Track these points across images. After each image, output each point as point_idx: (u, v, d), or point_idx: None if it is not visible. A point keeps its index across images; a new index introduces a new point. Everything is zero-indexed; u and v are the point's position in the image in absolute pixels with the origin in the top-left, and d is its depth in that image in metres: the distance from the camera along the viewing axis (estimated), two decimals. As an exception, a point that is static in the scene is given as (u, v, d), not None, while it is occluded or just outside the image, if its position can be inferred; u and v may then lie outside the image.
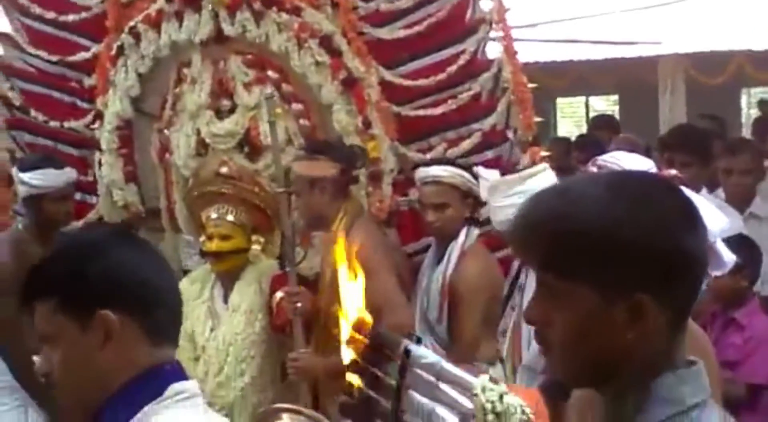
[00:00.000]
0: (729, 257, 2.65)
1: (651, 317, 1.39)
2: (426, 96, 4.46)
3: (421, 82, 4.42)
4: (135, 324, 1.73)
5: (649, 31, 10.10)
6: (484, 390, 1.39)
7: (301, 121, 4.49)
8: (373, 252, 4.04)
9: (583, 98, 15.19)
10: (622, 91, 13.73)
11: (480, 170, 4.22)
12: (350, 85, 4.33)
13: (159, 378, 1.72)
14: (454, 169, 4.17)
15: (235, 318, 4.37)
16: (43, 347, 1.78)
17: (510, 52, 4.33)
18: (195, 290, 4.46)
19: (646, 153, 6.09)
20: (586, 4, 10.19)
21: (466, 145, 4.41)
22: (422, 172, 4.24)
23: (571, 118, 15.21)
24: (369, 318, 1.60)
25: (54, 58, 5.16)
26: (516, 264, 4.50)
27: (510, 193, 3.78)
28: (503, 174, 4.39)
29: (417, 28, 4.41)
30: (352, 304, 1.61)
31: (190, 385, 1.76)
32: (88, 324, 1.71)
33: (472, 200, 4.21)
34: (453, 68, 4.39)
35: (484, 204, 4.13)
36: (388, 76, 4.43)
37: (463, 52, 4.41)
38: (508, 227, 2.72)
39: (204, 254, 4.47)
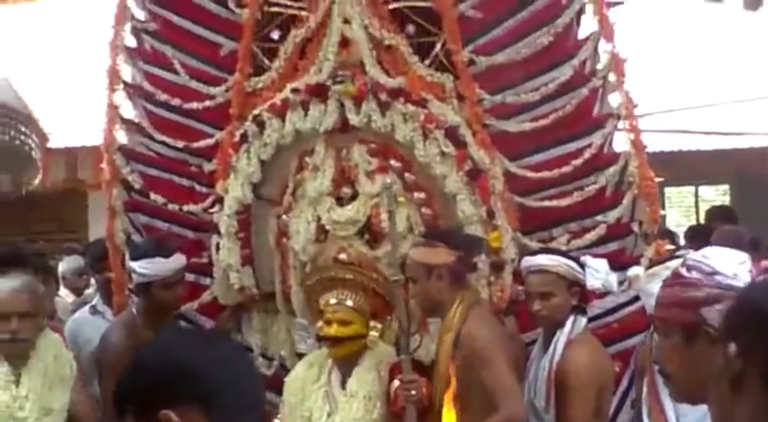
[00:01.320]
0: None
1: (734, 370, 1.48)
2: (550, 187, 4.49)
3: (546, 174, 4.46)
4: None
5: (761, 121, 10.07)
6: None
7: (424, 210, 4.54)
8: (489, 342, 4.05)
9: (692, 188, 15.04)
10: (733, 181, 13.57)
11: (587, 259, 4.22)
12: (475, 175, 4.39)
13: None
14: (559, 258, 4.18)
15: (353, 404, 4.37)
16: None
17: (638, 146, 4.36)
18: (312, 374, 4.49)
19: (753, 245, 6.03)
20: (697, 94, 10.21)
21: (590, 236, 4.43)
22: (528, 261, 4.25)
23: (679, 207, 15.04)
24: None
25: (178, 144, 5.29)
26: (634, 356, 4.47)
27: None
28: (625, 267, 4.39)
29: (543, 122, 4.46)
30: None
31: None
32: None
33: (578, 289, 4.20)
34: (579, 161, 4.44)
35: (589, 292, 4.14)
36: (513, 167, 4.48)
37: (589, 145, 4.46)
38: None
39: (322, 339, 4.50)
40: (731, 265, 3.00)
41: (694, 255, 3.24)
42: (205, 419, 1.80)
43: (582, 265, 4.21)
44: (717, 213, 7.87)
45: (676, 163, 10.69)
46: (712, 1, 9.68)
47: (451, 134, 4.40)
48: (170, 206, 5.34)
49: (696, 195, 15.10)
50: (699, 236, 6.93)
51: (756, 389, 1.45)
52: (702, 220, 9.77)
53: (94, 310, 5.68)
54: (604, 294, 4.44)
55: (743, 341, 1.47)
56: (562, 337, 4.17)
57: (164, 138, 5.35)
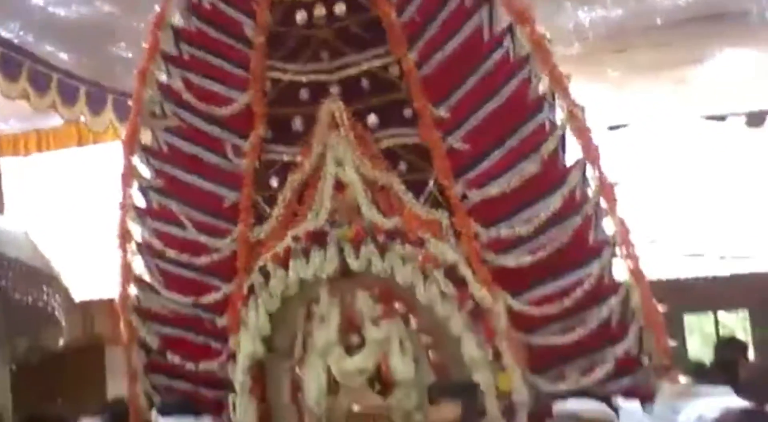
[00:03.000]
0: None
1: None
2: (554, 323, 4.31)
3: (548, 308, 4.29)
4: None
5: None
6: None
7: (431, 354, 4.39)
8: None
9: (711, 314, 14.81)
10: (752, 306, 13.35)
11: (621, 403, 4.00)
12: (478, 315, 4.24)
13: None
14: (592, 404, 3.95)
15: None
16: None
17: (637, 275, 4.18)
18: None
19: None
20: (710, 217, 10.06)
21: (600, 372, 4.20)
22: (559, 407, 4.03)
23: (699, 333, 14.71)
24: None
25: (189, 300, 5.22)
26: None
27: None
28: (642, 402, 4.16)
29: (540, 254, 4.32)
30: None
31: None
32: None
33: None
34: (579, 293, 4.26)
35: None
36: (516, 304, 4.32)
37: (588, 276, 4.29)
38: None
39: None
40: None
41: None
42: None
43: (617, 409, 3.99)
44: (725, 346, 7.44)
45: (693, 290, 10.52)
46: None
47: (451, 273, 4.28)
48: (188, 365, 5.23)
49: (716, 321, 14.84)
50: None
51: None
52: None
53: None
54: None
55: None
56: None
57: (175, 296, 5.29)
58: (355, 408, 4.44)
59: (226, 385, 5.03)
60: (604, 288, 4.31)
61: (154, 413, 4.79)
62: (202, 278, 5.22)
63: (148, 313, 5.37)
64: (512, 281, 4.41)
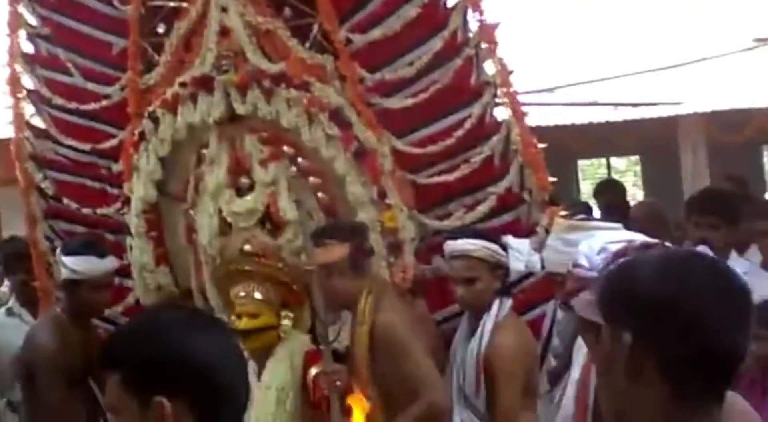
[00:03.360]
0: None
1: (632, 356, 1.49)
2: (439, 162, 4.45)
3: (432, 148, 4.42)
4: (195, 415, 1.77)
5: (669, 91, 10.08)
6: None
7: (320, 195, 4.52)
8: (404, 331, 4.05)
9: (604, 160, 15.17)
10: (644, 152, 13.66)
11: (510, 240, 4.20)
12: (362, 156, 4.35)
13: None
14: (482, 243, 4.13)
15: (267, 396, 4.34)
16: (109, 413, 1.87)
17: (518, 114, 4.31)
18: (228, 369, 4.44)
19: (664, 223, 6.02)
20: (605, 66, 10.21)
21: (483, 208, 4.37)
22: (450, 246, 4.20)
23: (592, 179, 15.16)
24: None
25: (86, 147, 5.26)
26: (546, 325, 4.46)
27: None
28: (524, 236, 4.37)
29: (423, 96, 4.42)
30: None
31: None
32: (147, 406, 1.77)
33: (502, 272, 4.18)
34: (461, 133, 4.37)
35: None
36: (400, 145, 4.44)
37: (470, 116, 4.39)
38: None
39: (235, 333, 4.48)
40: (591, 255, 3.01)
41: (594, 242, 3.23)
42: (191, 411, 1.77)
43: (505, 247, 4.18)
44: (602, 188, 7.73)
45: (587, 136, 10.77)
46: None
47: (336, 116, 4.35)
48: (84, 210, 5.31)
49: (608, 166, 15.27)
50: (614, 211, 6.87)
51: (652, 376, 1.47)
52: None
53: (9, 312, 5.64)
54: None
55: (637, 329, 1.49)
56: (489, 321, 4.14)
57: (71, 142, 5.32)
58: (247, 247, 4.55)
59: (125, 230, 5.15)
60: (486, 128, 4.43)
61: (58, 253, 4.89)
62: (96, 125, 5.26)
63: (43, 160, 5.41)
64: (396, 123, 4.51)
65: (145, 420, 1.76)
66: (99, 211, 5.30)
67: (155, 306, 4.45)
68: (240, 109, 4.48)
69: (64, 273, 4.74)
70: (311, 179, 4.49)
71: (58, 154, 5.42)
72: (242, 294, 4.46)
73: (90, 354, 4.72)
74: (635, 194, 10.65)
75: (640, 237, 2.64)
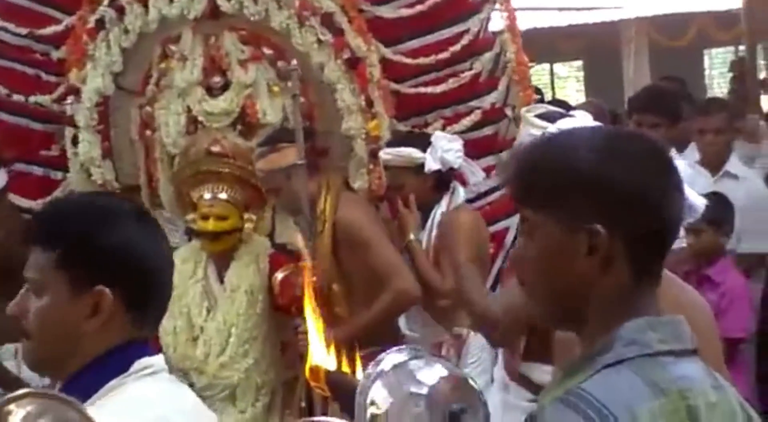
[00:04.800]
0: (699, 202, 2.71)
1: (605, 248, 1.46)
2: (426, 74, 4.46)
3: (422, 60, 4.43)
4: (127, 308, 1.76)
5: None
6: None
7: (290, 100, 4.44)
8: (366, 223, 4.11)
9: (547, 65, 15.16)
10: (586, 57, 13.75)
11: (434, 137, 4.22)
12: (354, 64, 4.32)
13: (127, 354, 1.77)
14: (395, 151, 4.20)
15: (235, 298, 4.33)
16: (26, 288, 1.77)
17: (513, 32, 4.37)
18: (187, 269, 4.39)
19: (613, 119, 6.22)
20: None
21: (465, 122, 4.44)
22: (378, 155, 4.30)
23: (535, 84, 15.31)
24: (323, 366, 1.67)
25: (22, 31, 4.96)
26: (509, 238, 4.59)
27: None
28: (500, 150, 4.46)
29: (419, 8, 4.40)
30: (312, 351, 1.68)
31: (156, 360, 1.82)
32: (82, 292, 1.73)
33: (429, 170, 4.19)
34: (456, 47, 4.40)
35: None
36: (389, 53, 4.43)
37: (466, 31, 4.43)
38: None
39: (198, 234, 4.41)
40: None
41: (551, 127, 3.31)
42: (124, 302, 1.75)
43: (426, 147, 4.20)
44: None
45: (530, 42, 10.83)
46: None
47: (327, 21, 4.30)
48: (15, 97, 5.03)
49: (551, 72, 15.39)
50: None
51: (620, 260, 1.47)
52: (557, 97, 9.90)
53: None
54: None
55: (608, 219, 1.46)
56: (439, 211, 4.23)
57: (5, 23, 5.00)
58: (215, 148, 4.45)
59: (60, 120, 4.92)
60: (480, 43, 4.48)
61: None
62: (39, 8, 4.95)
63: (-30, 40, 5.08)
64: (388, 32, 4.48)
65: (75, 306, 1.74)
66: (32, 99, 5.03)
67: (96, 192, 4.32)
68: (225, 6, 4.35)
69: None
70: (289, 83, 4.40)
71: (-12, 36, 5.10)
72: (208, 196, 4.39)
73: (12, 250, 4.54)
74: (578, 100, 10.79)
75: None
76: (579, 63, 15.18)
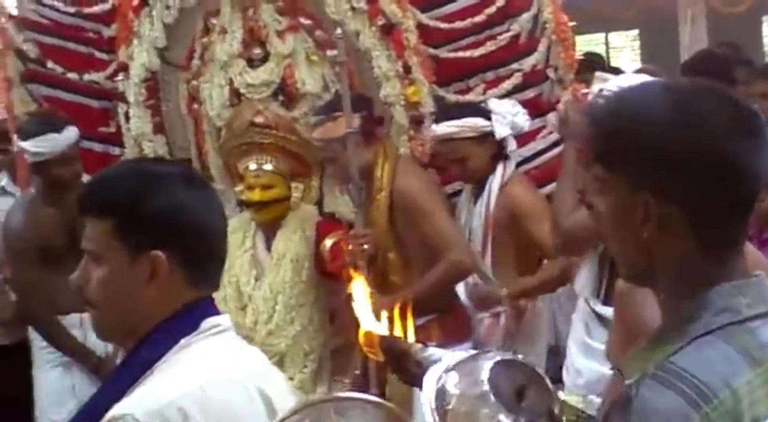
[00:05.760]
0: None
1: (657, 216, 1.42)
2: (464, 38, 4.42)
3: (459, 24, 4.38)
4: (183, 269, 1.79)
5: None
6: None
7: (337, 68, 4.45)
8: (425, 193, 4.09)
9: (602, 35, 14.84)
10: (642, 26, 13.46)
11: (492, 105, 4.19)
12: (388, 30, 4.30)
13: (194, 314, 1.80)
14: (461, 122, 4.12)
15: (281, 266, 4.38)
16: (86, 259, 1.81)
17: (551, -10, 4.30)
18: (237, 239, 4.45)
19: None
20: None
21: (506, 85, 4.38)
22: (434, 131, 4.20)
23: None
24: (376, 332, 1.66)
25: (71, 10, 5.06)
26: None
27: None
28: (544, 113, 4.41)
29: (454, -30, 4.36)
30: (362, 320, 1.68)
31: (223, 319, 1.85)
32: (138, 257, 1.76)
33: (491, 138, 4.16)
34: (491, 9, 4.35)
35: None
36: (425, 19, 4.39)
37: (501, -8, 4.37)
38: None
39: (245, 204, 4.48)
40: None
41: (608, 85, 3.26)
42: (182, 265, 1.78)
43: (487, 113, 4.18)
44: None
45: (584, 11, 10.64)
46: None
47: (361, -12, 4.28)
48: (70, 75, 5.13)
49: (606, 42, 15.08)
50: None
51: (680, 225, 1.43)
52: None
53: (3, 191, 5.50)
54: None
55: (661, 186, 1.42)
56: (495, 182, 4.18)
57: (55, 3, 5.11)
58: (258, 119, 4.49)
59: (113, 96, 5.02)
60: (516, 5, 4.41)
61: (17, 141, 4.73)
62: (87, -13, 5.06)
63: (25, 21, 5.17)
64: (423, -4, 4.45)
65: (133, 271, 1.77)
66: (86, 76, 5.13)
67: (144, 158, 4.36)
68: (261, -23, 4.35)
69: (30, 158, 4.63)
70: (329, 52, 4.41)
71: (41, 16, 5.21)
72: (254, 166, 4.45)
73: (70, 230, 4.68)
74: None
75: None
76: (635, 32, 14.85)
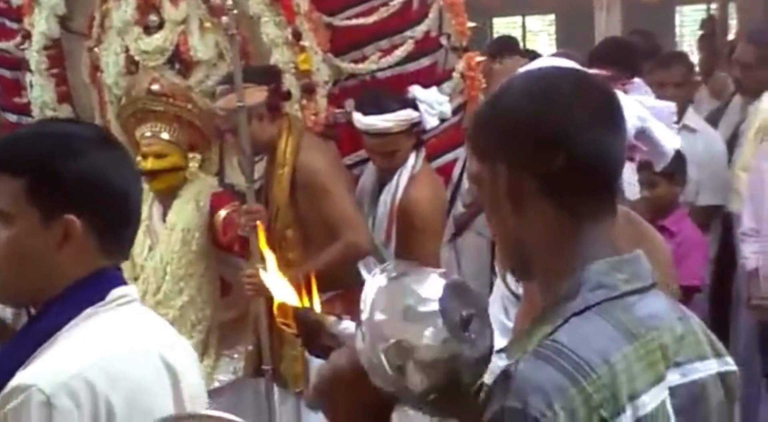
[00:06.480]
0: (671, 144, 2.59)
1: (505, 185, 1.44)
2: (356, 5, 4.34)
3: (352, -10, 4.31)
4: (96, 235, 1.73)
5: None
6: None
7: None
8: (327, 170, 4.03)
9: (519, 18, 15.08)
10: (558, 10, 13.67)
11: (417, 93, 4.13)
12: (277, -2, 4.23)
13: (102, 283, 1.75)
14: (395, 116, 4.07)
15: (172, 236, 4.33)
16: None
17: (441, -43, 4.23)
18: (134, 209, 4.38)
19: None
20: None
21: (399, 52, 4.31)
22: (365, 124, 4.12)
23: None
24: (290, 303, 1.59)
25: (-21, -22, 5.00)
26: (456, 171, 4.50)
27: None
28: (439, 82, 4.35)
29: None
30: (274, 292, 1.61)
31: (130, 290, 1.81)
32: (50, 221, 1.70)
33: (417, 130, 4.16)
34: (384, -25, 4.27)
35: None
36: (317, -15, 4.32)
37: (392, -44, 4.29)
38: None
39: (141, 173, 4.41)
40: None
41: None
42: (95, 229, 1.73)
43: (413, 102, 4.13)
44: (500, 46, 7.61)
45: None
46: None
47: (251, -47, 4.21)
48: (-19, 44, 5.08)
49: (524, 25, 15.28)
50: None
51: (538, 201, 1.43)
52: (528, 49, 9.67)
53: None
54: None
55: (511, 157, 1.44)
56: (405, 173, 4.16)
57: (-35, -30, 5.05)
58: (155, 87, 4.43)
59: (24, 66, 4.96)
60: (407, -31, 4.33)
61: None
62: (-7, -45, 5.00)
63: (-66, -11, 5.13)
64: (316, -37, 4.38)
65: (44, 235, 1.71)
66: (-1, 45, 5.07)
67: (57, 118, 4.23)
68: (151, -58, 4.29)
69: None
70: (223, 19, 4.34)
71: (-50, -16, 5.15)
72: (148, 134, 4.40)
73: None
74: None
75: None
76: (551, 17, 15.01)
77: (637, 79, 4.71)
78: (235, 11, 3.97)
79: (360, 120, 4.14)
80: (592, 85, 1.50)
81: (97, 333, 1.70)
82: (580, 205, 1.44)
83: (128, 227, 1.80)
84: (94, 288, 1.74)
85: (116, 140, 1.92)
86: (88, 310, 1.71)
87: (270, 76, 4.12)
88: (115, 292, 1.76)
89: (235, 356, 4.38)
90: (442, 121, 4.33)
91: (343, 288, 4.06)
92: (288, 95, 4.18)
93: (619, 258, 1.44)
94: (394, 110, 4.10)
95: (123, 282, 1.80)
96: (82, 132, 1.80)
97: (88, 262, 1.74)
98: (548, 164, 1.41)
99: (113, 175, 1.74)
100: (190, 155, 4.42)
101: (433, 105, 4.14)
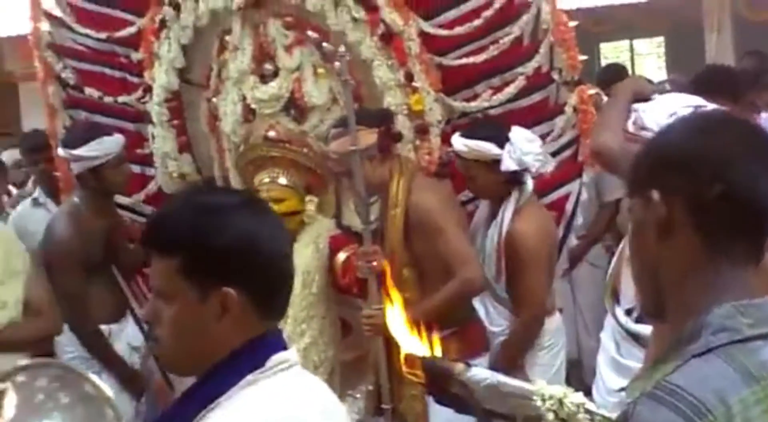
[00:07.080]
0: None
1: (679, 221, 1.44)
2: (467, 44, 4.38)
3: (459, 29, 4.35)
4: (253, 300, 1.74)
5: None
6: (544, 399, 1.44)
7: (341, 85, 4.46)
8: (439, 209, 4.05)
9: (627, 42, 14.83)
10: (667, 33, 13.38)
11: (514, 135, 4.11)
12: (389, 39, 4.30)
13: (263, 349, 1.75)
14: (473, 144, 4.09)
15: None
16: (154, 295, 1.78)
17: (547, -9, 4.25)
18: (255, 254, 4.46)
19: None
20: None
21: (511, 89, 4.33)
22: (452, 142, 4.22)
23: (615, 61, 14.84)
24: (417, 353, 1.64)
25: (102, 35, 5.20)
26: (570, 206, 4.48)
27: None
28: (552, 117, 4.35)
29: (452, -23, 4.34)
30: (401, 342, 1.67)
31: (290, 355, 1.80)
32: (207, 295, 1.72)
33: (499, 166, 4.12)
34: (489, 13, 4.30)
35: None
36: (427, 27, 4.37)
37: (498, -5, 4.32)
38: None
39: (262, 219, 4.49)
40: (660, 119, 2.95)
41: (639, 107, 3.20)
42: (252, 298, 1.74)
43: (504, 140, 4.11)
44: (609, 74, 7.47)
45: (609, 18, 10.50)
46: None
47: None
48: (105, 99, 5.28)
49: (631, 49, 14.97)
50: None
51: (685, 231, 1.43)
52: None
53: (35, 203, 5.67)
54: None
55: (665, 185, 1.44)
56: (508, 209, 4.16)
57: (87, 30, 5.26)
58: (271, 134, 4.53)
59: (145, 118, 5.14)
60: (515, 7, 4.36)
61: (63, 151, 4.85)
62: (114, 13, 5.19)
63: (62, 49, 5.35)
64: (424, 4, 4.43)
65: (204, 309, 1.73)
66: (120, 99, 5.26)
67: (201, 187, 4.24)
68: (264, -7, 4.41)
69: (80, 166, 4.71)
70: (336, 64, 4.43)
71: (77, 43, 5.37)
72: (267, 180, 4.47)
73: (112, 240, 4.78)
74: (659, 77, 10.42)
75: (707, 103, 2.53)
76: (660, 39, 14.63)
77: (764, 115, 4.64)
78: (347, 56, 4.04)
79: (452, 139, 4.19)
80: (750, 124, 1.53)
81: (257, 401, 1.71)
82: (726, 241, 1.43)
83: (283, 287, 1.80)
84: (254, 355, 1.74)
85: (261, 201, 1.93)
86: (249, 377, 1.72)
87: (381, 118, 4.18)
88: (275, 358, 1.75)
89: (358, 395, 4.41)
90: (555, 154, 4.33)
91: (458, 325, 4.09)
92: (399, 136, 4.23)
93: (747, 302, 1.41)
94: (478, 138, 4.13)
95: (283, 347, 1.79)
96: (228, 201, 1.81)
97: (248, 328, 1.75)
98: (704, 194, 1.41)
99: (263, 240, 1.74)
100: (308, 198, 4.48)
101: (517, 150, 4.10)
